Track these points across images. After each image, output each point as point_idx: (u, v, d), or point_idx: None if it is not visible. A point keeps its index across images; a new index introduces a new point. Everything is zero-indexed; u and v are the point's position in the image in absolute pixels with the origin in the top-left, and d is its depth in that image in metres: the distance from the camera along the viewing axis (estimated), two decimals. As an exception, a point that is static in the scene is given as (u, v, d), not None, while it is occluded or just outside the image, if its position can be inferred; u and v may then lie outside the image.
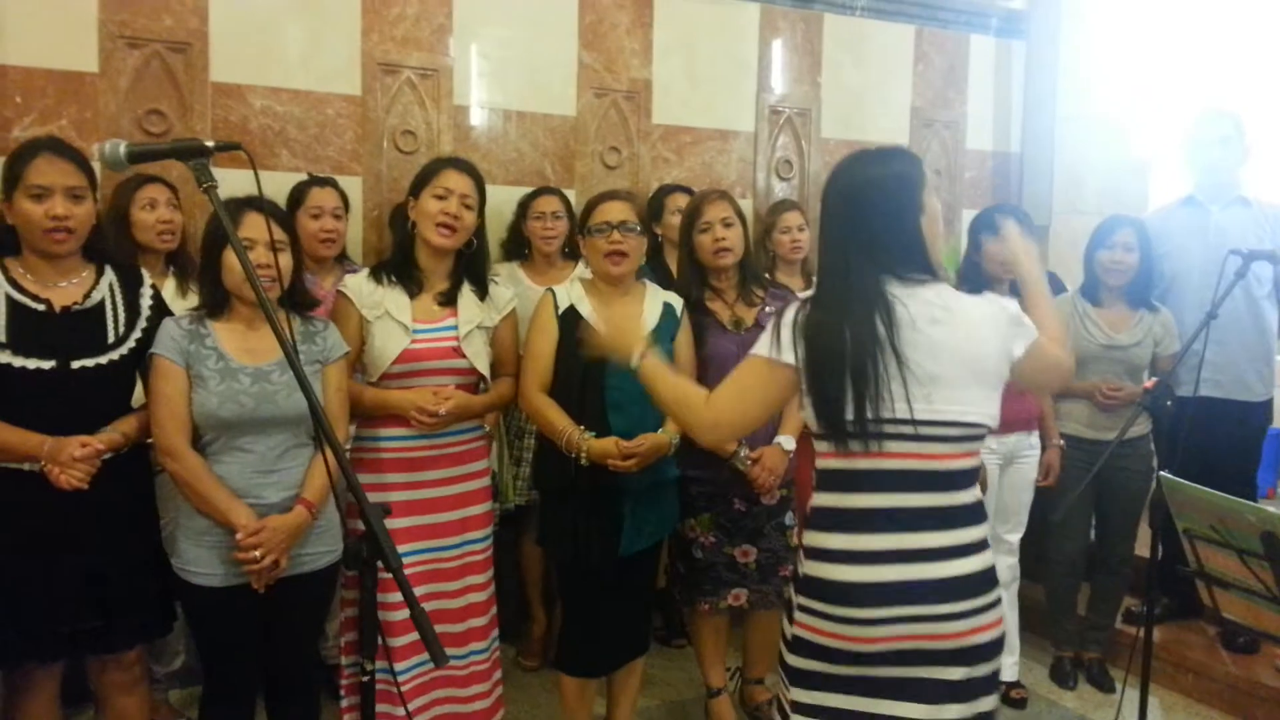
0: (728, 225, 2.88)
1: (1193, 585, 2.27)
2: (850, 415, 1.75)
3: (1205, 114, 3.71)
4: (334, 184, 3.35)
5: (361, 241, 3.67)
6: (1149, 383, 2.99)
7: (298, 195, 3.24)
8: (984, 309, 1.84)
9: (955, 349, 1.77)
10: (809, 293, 1.91)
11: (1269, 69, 4.68)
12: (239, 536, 2.17)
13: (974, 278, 3.22)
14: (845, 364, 1.74)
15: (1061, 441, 3.43)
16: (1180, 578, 2.41)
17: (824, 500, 1.86)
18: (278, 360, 2.28)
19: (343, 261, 3.38)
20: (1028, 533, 3.49)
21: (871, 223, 1.80)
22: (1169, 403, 2.78)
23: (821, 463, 1.87)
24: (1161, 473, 2.18)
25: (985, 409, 1.81)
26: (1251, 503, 1.96)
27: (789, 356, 1.79)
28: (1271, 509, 1.90)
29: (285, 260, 2.26)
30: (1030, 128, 4.99)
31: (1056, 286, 3.92)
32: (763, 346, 1.84)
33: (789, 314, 1.83)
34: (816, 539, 1.85)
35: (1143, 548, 3.53)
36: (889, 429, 1.75)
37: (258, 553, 2.18)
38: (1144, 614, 2.58)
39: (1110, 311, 3.47)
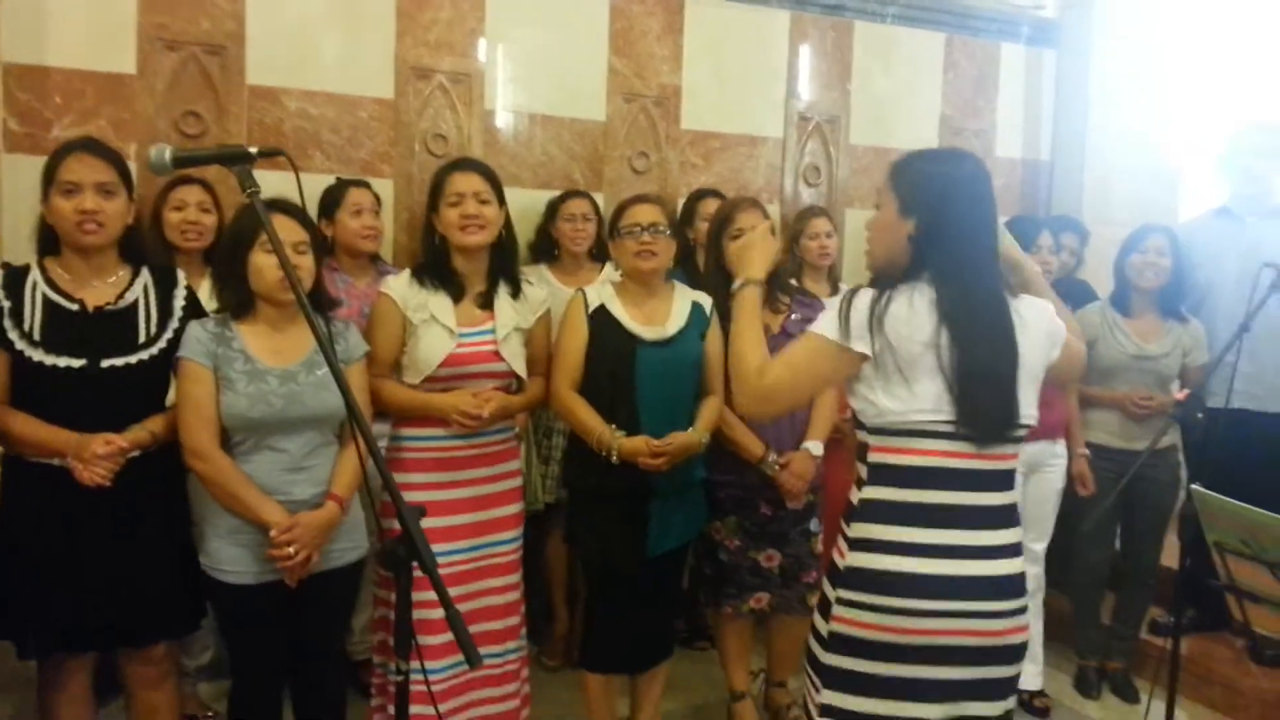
0: None
1: (1219, 597, 2.26)
2: (990, 420, 1.78)
3: (1243, 125, 3.68)
4: (367, 185, 3.40)
5: (393, 244, 3.70)
6: (1180, 394, 2.98)
7: (336, 196, 3.28)
8: (1036, 313, 1.89)
9: (1027, 354, 1.83)
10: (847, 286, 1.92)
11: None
12: (273, 534, 2.20)
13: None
14: (987, 368, 1.77)
15: (1086, 451, 3.42)
16: (1206, 589, 2.40)
17: (877, 494, 1.85)
18: (303, 361, 2.32)
19: (377, 262, 3.42)
20: (1052, 541, 3.48)
21: (986, 220, 1.85)
22: (1199, 415, 2.77)
23: (878, 457, 1.86)
24: (1193, 485, 2.17)
25: (1034, 410, 1.87)
26: (1283, 516, 1.95)
27: (861, 345, 1.80)
28: (1304, 523, 1.90)
29: (306, 262, 2.29)
30: (1060, 136, 4.96)
31: (1088, 297, 3.90)
32: (828, 328, 1.83)
33: (862, 301, 1.82)
34: (865, 530, 1.84)
35: (1169, 558, 3.51)
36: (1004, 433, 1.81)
37: (291, 549, 2.20)
38: (1169, 625, 2.58)
39: (1140, 322, 3.45)
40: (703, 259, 3.41)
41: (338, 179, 3.40)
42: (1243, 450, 3.45)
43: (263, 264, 2.27)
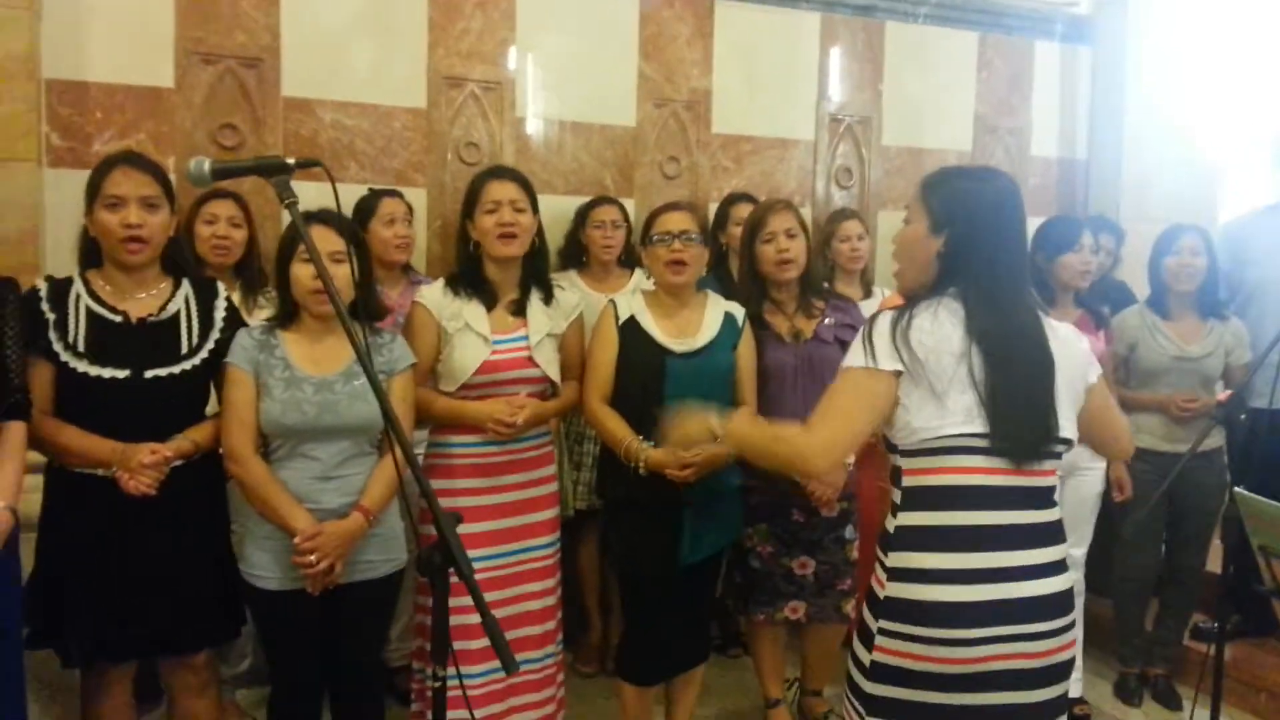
0: (791, 236, 2.86)
1: (1266, 603, 2.22)
2: (1027, 434, 1.76)
3: None
4: (399, 194, 3.42)
5: (425, 252, 3.74)
6: (1223, 395, 2.94)
7: (369, 206, 3.31)
8: (1071, 332, 1.90)
9: (1062, 367, 1.81)
10: (887, 303, 1.91)
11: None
12: (296, 540, 2.22)
13: (1042, 288, 3.14)
14: (1021, 381, 1.76)
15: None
16: (1252, 594, 2.35)
17: (913, 519, 1.81)
18: (342, 371, 2.34)
19: (409, 272, 3.44)
20: (1094, 545, 3.43)
21: (1018, 238, 1.87)
22: (1243, 415, 2.73)
23: (912, 480, 1.82)
24: (1236, 488, 2.13)
25: (1074, 426, 1.84)
26: (1331, 520, 1.91)
27: (889, 363, 1.77)
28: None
29: (343, 271, 2.27)
30: (1097, 134, 4.91)
31: (1126, 297, 3.84)
32: (855, 359, 1.82)
33: (883, 323, 1.81)
34: (903, 559, 1.80)
35: (1213, 563, 3.45)
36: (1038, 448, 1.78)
37: (313, 557, 2.21)
38: (1213, 630, 2.52)
39: (1180, 323, 3.40)
40: (736, 264, 3.40)
41: (370, 189, 3.43)
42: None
43: (299, 273, 2.32)
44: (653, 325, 2.67)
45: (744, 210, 3.72)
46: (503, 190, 2.60)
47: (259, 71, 3.49)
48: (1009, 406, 1.74)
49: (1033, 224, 3.60)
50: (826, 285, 3.41)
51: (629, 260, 3.65)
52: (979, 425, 1.74)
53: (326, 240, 2.27)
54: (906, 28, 4.54)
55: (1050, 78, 4.88)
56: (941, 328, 1.77)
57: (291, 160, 1.67)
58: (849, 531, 2.97)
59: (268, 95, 3.50)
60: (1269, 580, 2.10)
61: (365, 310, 2.39)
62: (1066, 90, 4.92)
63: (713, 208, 4.05)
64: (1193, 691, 2.98)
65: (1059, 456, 1.82)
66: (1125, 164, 4.78)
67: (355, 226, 2.50)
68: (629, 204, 3.88)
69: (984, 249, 1.80)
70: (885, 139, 4.55)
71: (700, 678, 2.91)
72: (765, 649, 3.09)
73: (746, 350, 2.75)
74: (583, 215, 3.68)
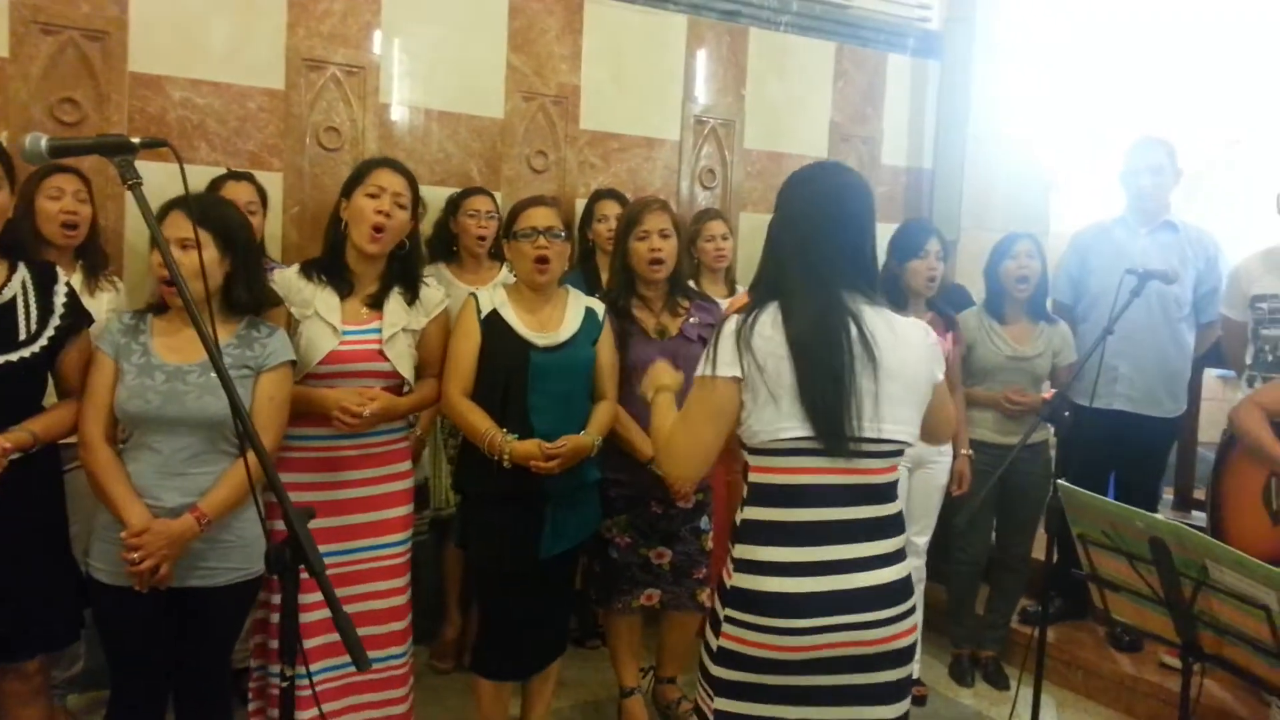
0: (665, 236, 2.92)
1: (1084, 587, 2.38)
2: (837, 434, 1.77)
3: (1138, 142, 3.81)
4: (250, 178, 3.29)
5: (281, 238, 3.62)
6: (1048, 393, 3.14)
7: (213, 189, 3.18)
8: (917, 332, 1.91)
9: (901, 370, 1.84)
10: (735, 302, 1.95)
11: (1172, 94, 4.93)
12: (123, 535, 2.14)
13: (893, 293, 3.27)
14: (825, 379, 1.77)
15: (969, 451, 3.56)
16: (1072, 580, 2.53)
17: (756, 514, 1.87)
18: (201, 362, 2.24)
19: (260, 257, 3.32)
20: (933, 534, 3.61)
21: (843, 234, 1.86)
22: (1066, 413, 2.92)
23: (756, 477, 1.87)
24: (1059, 480, 2.28)
25: (914, 429, 1.89)
26: (1141, 510, 2.06)
27: (728, 370, 1.80)
28: (1159, 517, 2.02)
29: (191, 259, 2.14)
30: (942, 145, 5.15)
31: (964, 299, 4.06)
32: (702, 367, 1.84)
33: (728, 328, 1.84)
34: (748, 552, 1.85)
35: (1038, 550, 3.69)
36: (853, 446, 1.80)
37: (135, 555, 2.12)
38: (1039, 614, 2.69)
39: (1014, 326, 3.62)
40: (605, 260, 3.43)
41: (229, 170, 3.30)
42: (1122, 449, 3.72)
43: (151, 260, 2.27)
44: (516, 319, 2.67)
45: (610, 207, 3.75)
46: (391, 180, 2.55)
47: (104, 45, 3.30)
48: (814, 408, 1.77)
49: (886, 230, 3.76)
50: (693, 284, 3.48)
51: (499, 252, 3.63)
52: (809, 429, 1.78)
53: (176, 226, 2.18)
54: (769, 34, 4.66)
55: (901, 89, 5.09)
56: (778, 332, 1.80)
57: (136, 139, 1.61)
58: (705, 523, 3.05)
59: (113, 70, 3.32)
60: (1086, 565, 2.26)
61: (239, 300, 2.31)
62: (916, 102, 5.14)
63: (580, 204, 4.07)
64: (1019, 671, 3.19)
65: (889, 455, 1.86)
66: (967, 175, 5.04)
67: (227, 213, 2.36)
68: (496, 197, 3.85)
69: (794, 246, 1.85)
70: (747, 142, 4.65)
71: (556, 671, 2.93)
72: (622, 638, 3.13)
73: (606, 345, 2.79)
74: (455, 204, 3.63)
